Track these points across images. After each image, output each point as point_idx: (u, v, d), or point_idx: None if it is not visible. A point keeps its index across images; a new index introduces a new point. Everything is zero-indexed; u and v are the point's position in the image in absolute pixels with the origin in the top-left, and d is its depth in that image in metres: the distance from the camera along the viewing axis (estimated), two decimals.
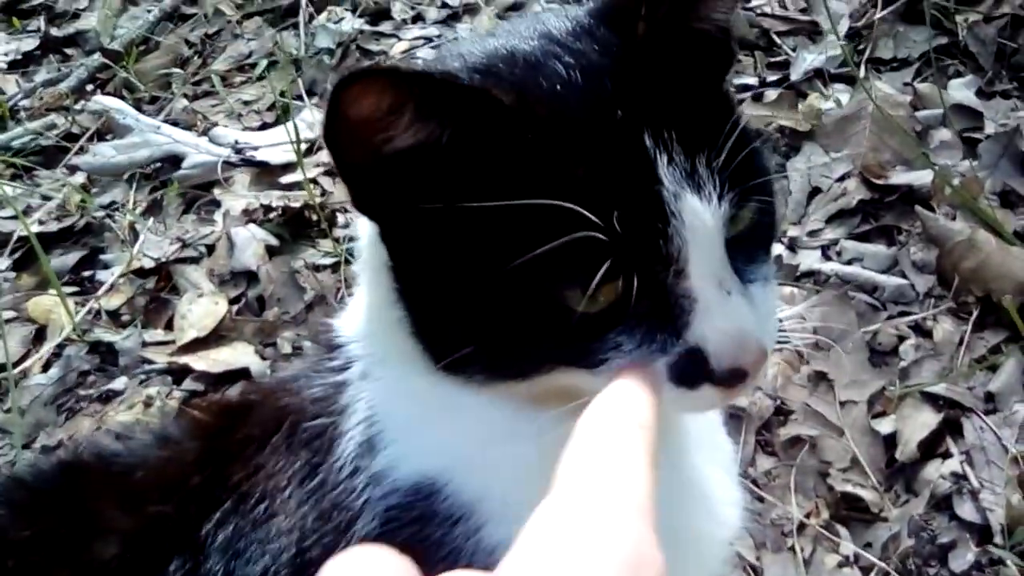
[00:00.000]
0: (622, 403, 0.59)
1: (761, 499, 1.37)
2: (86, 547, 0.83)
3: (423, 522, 0.74)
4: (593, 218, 0.62)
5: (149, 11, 2.50)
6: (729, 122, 0.68)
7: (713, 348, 0.66)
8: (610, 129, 0.66)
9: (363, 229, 0.83)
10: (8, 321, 1.76)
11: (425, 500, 0.75)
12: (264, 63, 2.21)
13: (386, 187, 0.68)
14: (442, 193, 0.67)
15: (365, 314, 0.85)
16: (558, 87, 0.67)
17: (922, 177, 1.66)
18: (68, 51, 2.52)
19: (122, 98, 2.22)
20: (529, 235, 0.63)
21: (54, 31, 2.57)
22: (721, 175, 0.67)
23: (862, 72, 1.87)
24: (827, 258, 1.62)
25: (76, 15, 2.61)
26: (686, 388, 0.68)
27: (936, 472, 1.36)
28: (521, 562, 0.47)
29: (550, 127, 0.66)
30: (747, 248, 0.71)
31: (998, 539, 1.27)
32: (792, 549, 1.32)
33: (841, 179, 1.71)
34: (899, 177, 1.68)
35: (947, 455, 1.38)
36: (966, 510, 1.32)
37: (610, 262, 0.63)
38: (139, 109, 2.17)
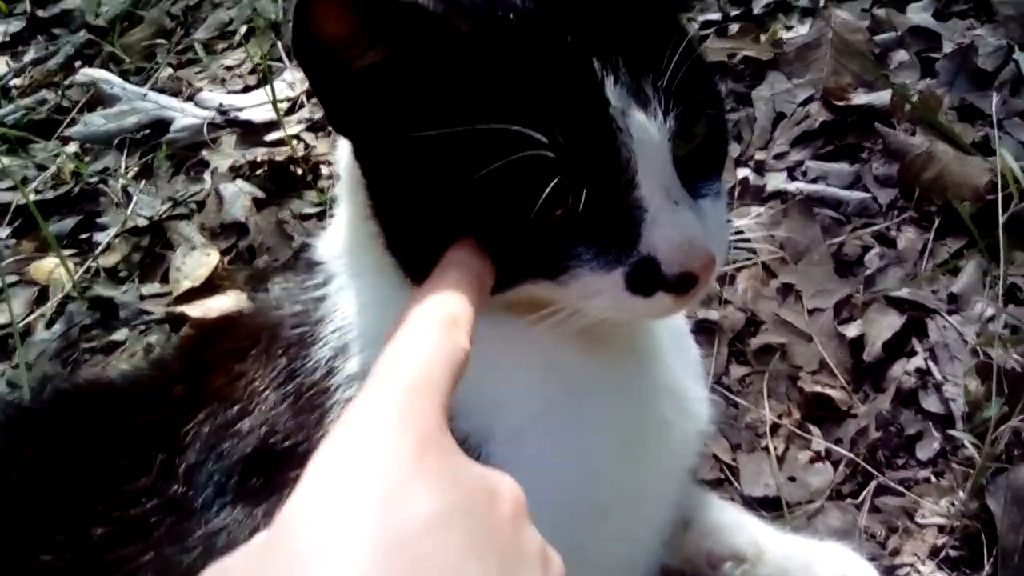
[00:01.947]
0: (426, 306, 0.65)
1: (736, 405, 1.42)
2: (80, 457, 0.89)
3: None
4: (539, 137, 0.68)
5: None
6: (676, 45, 0.73)
7: (663, 255, 0.72)
8: (560, 54, 0.71)
9: (342, 151, 0.89)
10: (11, 285, 1.83)
11: None
12: (244, 29, 2.26)
13: (356, 104, 0.73)
14: (405, 113, 0.73)
15: (344, 231, 0.91)
16: (512, 16, 0.72)
17: (882, 97, 1.71)
18: (55, 31, 2.57)
19: (109, 71, 2.27)
20: (485, 154, 0.69)
21: (40, 12, 2.62)
22: (666, 93, 0.72)
23: (822, 2, 1.92)
24: (793, 178, 1.67)
25: None
26: (642, 296, 0.74)
27: (901, 370, 1.41)
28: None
29: (503, 53, 0.71)
30: (698, 165, 0.77)
31: (959, 425, 1.33)
32: (766, 448, 1.38)
33: (804, 103, 1.76)
34: (860, 98, 1.73)
35: (912, 353, 1.43)
36: (930, 402, 1.37)
37: (559, 178, 0.69)
38: (126, 80, 2.22)
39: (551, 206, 0.70)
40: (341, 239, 0.91)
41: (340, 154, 0.91)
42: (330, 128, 1.94)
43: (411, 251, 0.80)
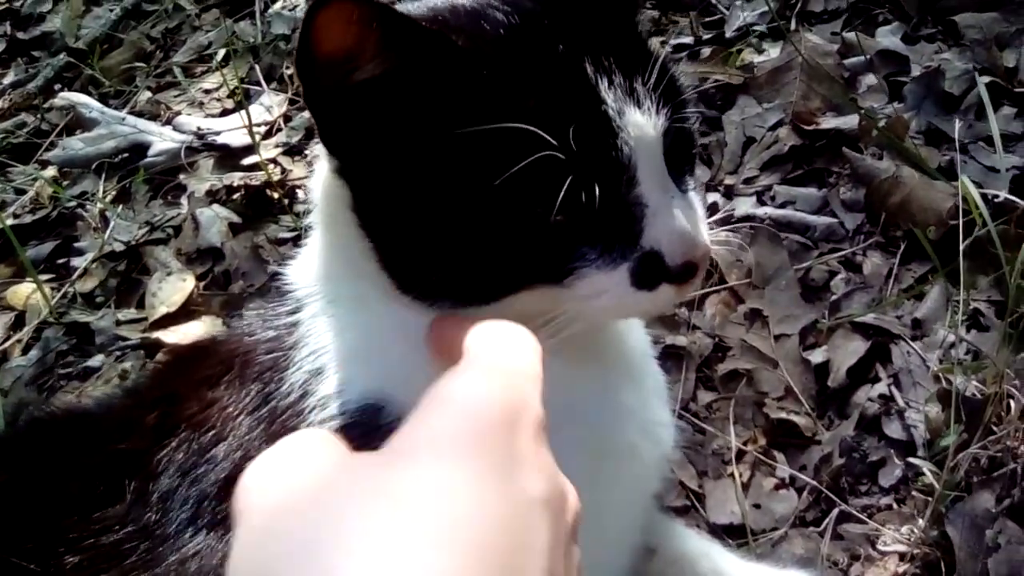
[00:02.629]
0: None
1: (702, 431, 1.44)
2: (54, 485, 0.90)
3: (367, 437, 0.79)
4: (550, 139, 0.70)
5: (111, 10, 2.56)
6: (648, 50, 0.78)
7: (666, 247, 0.75)
8: (554, 61, 0.74)
9: (317, 180, 0.90)
10: None
11: (371, 418, 0.81)
12: (223, 52, 2.28)
13: (353, 118, 0.75)
14: (409, 126, 0.74)
15: (320, 258, 0.92)
16: (501, 30, 0.75)
17: (850, 121, 1.72)
18: (35, 53, 2.58)
19: (88, 94, 2.29)
20: (494, 162, 0.71)
21: (20, 34, 2.63)
22: (655, 92, 0.76)
23: (792, 25, 1.94)
24: (761, 203, 1.68)
25: (41, 18, 2.67)
26: (647, 290, 0.77)
27: (865, 396, 1.42)
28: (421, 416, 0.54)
29: (501, 64, 0.73)
30: (677, 161, 0.80)
31: (920, 452, 1.35)
32: (732, 475, 1.39)
33: (774, 127, 1.78)
34: (828, 122, 1.74)
35: (876, 380, 1.45)
36: (893, 428, 1.39)
37: (571, 177, 0.71)
38: (105, 103, 2.23)
39: (562, 208, 0.72)
40: (315, 266, 0.92)
41: (315, 181, 0.91)
42: (306, 152, 1.96)
43: (411, 268, 0.81)
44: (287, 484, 0.52)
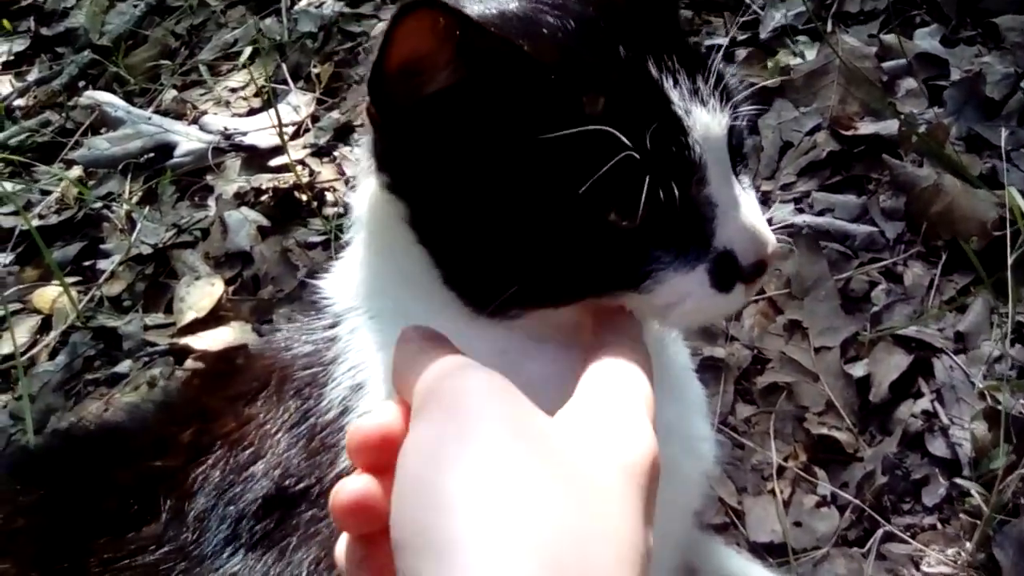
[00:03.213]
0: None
1: (742, 446, 1.41)
2: (88, 503, 0.89)
3: None
4: (626, 140, 0.68)
5: (135, 6, 2.55)
6: (698, 49, 0.78)
7: (739, 247, 0.74)
8: (618, 63, 0.73)
9: (362, 195, 0.88)
10: (14, 313, 1.83)
11: None
12: (249, 50, 2.26)
13: (422, 131, 0.73)
14: (480, 137, 0.73)
15: (363, 272, 0.90)
16: (560, 34, 0.74)
17: (889, 126, 1.69)
18: (59, 49, 2.57)
19: (113, 92, 2.27)
20: (571, 168, 0.69)
21: (44, 30, 2.62)
22: (717, 90, 0.74)
23: (829, 27, 1.90)
24: (799, 210, 1.66)
25: (65, 13, 2.65)
26: (724, 292, 0.76)
27: (908, 412, 1.40)
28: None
29: (568, 68, 0.71)
30: (734, 159, 0.78)
31: (966, 471, 1.33)
32: (772, 492, 1.37)
33: (811, 132, 1.75)
34: (867, 127, 1.71)
35: (919, 395, 1.42)
36: (937, 446, 1.36)
37: (649, 178, 0.69)
38: (130, 102, 2.22)
39: (639, 209, 0.71)
40: (357, 280, 0.90)
41: (359, 197, 0.89)
42: (335, 154, 1.94)
43: (482, 279, 0.78)
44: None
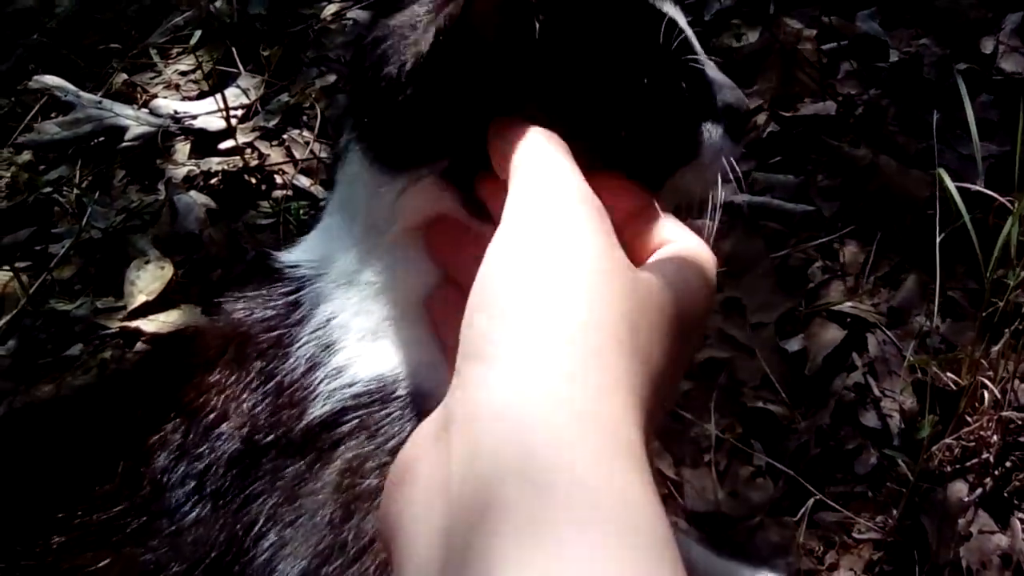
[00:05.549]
0: None
1: (681, 419, 1.45)
2: (40, 471, 0.89)
3: (383, 402, 0.80)
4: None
5: None
6: None
7: (735, 100, 0.88)
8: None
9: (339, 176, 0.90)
10: None
11: (386, 387, 0.80)
12: (199, 33, 2.25)
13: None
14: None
15: (329, 235, 0.90)
16: None
17: (828, 107, 1.73)
18: (7, 33, 2.55)
19: (62, 75, 2.26)
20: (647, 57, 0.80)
21: None
22: None
23: (771, 9, 1.93)
24: (739, 190, 1.69)
25: None
26: (735, 142, 0.88)
27: (841, 385, 1.45)
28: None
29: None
30: None
31: (896, 442, 1.37)
32: (709, 464, 1.41)
33: (752, 113, 1.78)
34: (807, 108, 1.75)
35: (852, 368, 1.47)
36: (868, 418, 1.41)
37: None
38: (80, 85, 2.21)
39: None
40: (321, 247, 0.90)
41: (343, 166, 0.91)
42: (284, 137, 1.95)
43: None
44: None
